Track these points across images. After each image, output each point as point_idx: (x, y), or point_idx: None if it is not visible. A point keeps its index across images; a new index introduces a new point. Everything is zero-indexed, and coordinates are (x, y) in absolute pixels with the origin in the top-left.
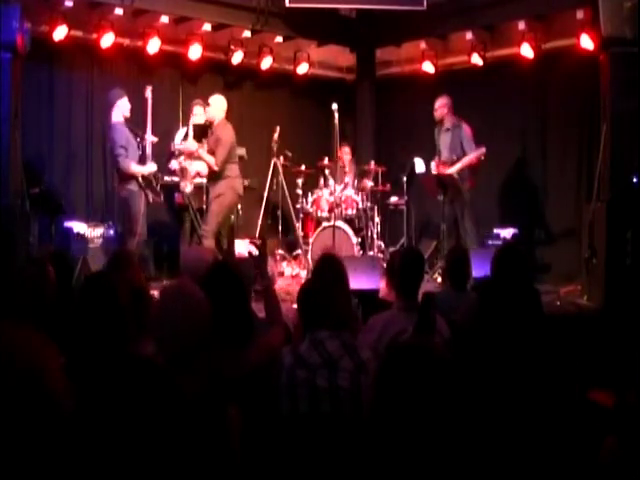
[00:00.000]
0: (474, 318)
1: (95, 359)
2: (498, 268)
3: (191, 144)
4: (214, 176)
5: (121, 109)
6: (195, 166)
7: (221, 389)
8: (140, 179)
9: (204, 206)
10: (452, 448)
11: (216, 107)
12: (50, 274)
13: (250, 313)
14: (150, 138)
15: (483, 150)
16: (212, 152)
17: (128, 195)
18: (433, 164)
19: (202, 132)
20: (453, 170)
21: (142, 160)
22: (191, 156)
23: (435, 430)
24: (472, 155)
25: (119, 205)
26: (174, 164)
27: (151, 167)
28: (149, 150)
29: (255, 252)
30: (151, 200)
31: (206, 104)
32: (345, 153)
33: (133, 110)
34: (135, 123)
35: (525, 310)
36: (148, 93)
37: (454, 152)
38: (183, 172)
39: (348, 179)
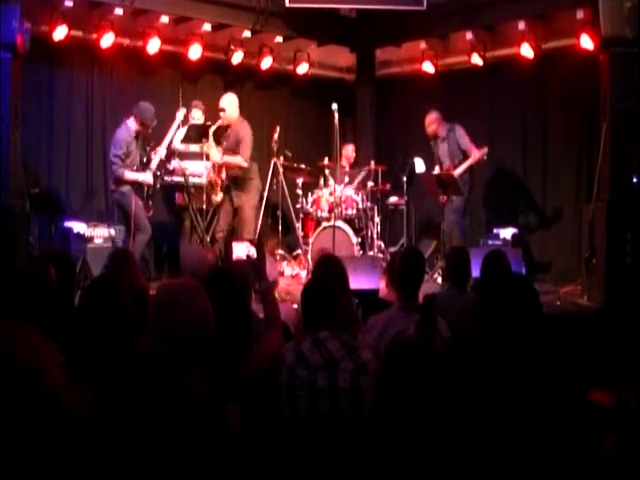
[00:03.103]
0: (472, 318)
1: (96, 361)
2: (484, 271)
3: (215, 156)
4: (240, 181)
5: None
6: (191, 166)
7: (221, 392)
8: (133, 185)
9: (204, 206)
10: (452, 448)
11: (230, 107)
12: (51, 274)
13: (249, 322)
14: (161, 153)
15: (485, 150)
16: (232, 151)
17: (120, 197)
18: (437, 170)
19: (199, 133)
20: (458, 171)
21: (143, 168)
22: (221, 166)
23: (435, 430)
24: (476, 155)
25: (116, 209)
26: (174, 164)
27: (146, 176)
28: (155, 163)
29: (253, 254)
30: (142, 205)
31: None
32: (349, 151)
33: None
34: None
35: (522, 309)
36: (179, 115)
37: (455, 157)
38: (212, 185)
39: (348, 178)
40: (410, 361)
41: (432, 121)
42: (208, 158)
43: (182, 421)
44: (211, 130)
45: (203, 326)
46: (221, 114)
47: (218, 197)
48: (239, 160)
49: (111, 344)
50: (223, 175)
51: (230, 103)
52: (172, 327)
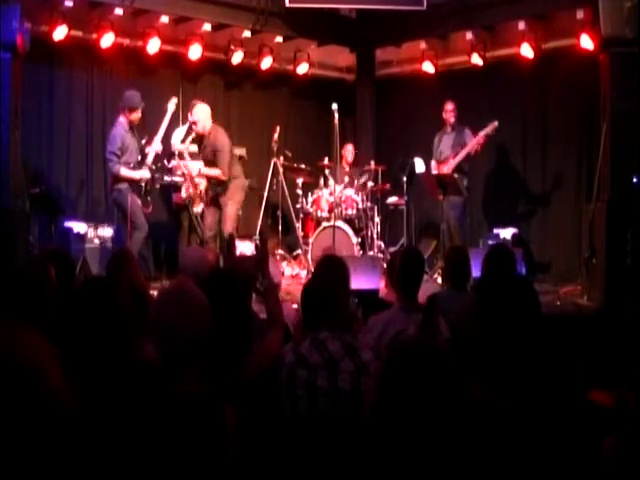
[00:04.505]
0: (472, 318)
1: (96, 362)
2: (487, 268)
3: (192, 166)
4: (221, 183)
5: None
6: (195, 165)
7: (220, 393)
8: (130, 183)
9: (203, 205)
10: (453, 448)
11: (202, 117)
12: (51, 273)
13: (249, 322)
14: (157, 147)
15: (495, 124)
16: (210, 162)
17: (117, 195)
18: (433, 164)
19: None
20: (457, 159)
21: (140, 165)
22: (195, 176)
23: (437, 429)
24: (473, 141)
25: (113, 207)
26: (173, 164)
27: (143, 173)
28: (151, 158)
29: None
30: (139, 203)
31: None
32: (348, 152)
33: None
34: (144, 127)
35: (521, 310)
36: (171, 105)
37: (455, 150)
38: (192, 194)
39: (348, 178)
40: (413, 360)
41: (453, 109)
42: None
43: (175, 428)
44: (186, 143)
45: (201, 325)
46: (193, 127)
47: (199, 208)
48: (218, 173)
49: (108, 347)
50: (202, 186)
51: (201, 113)
52: (171, 327)
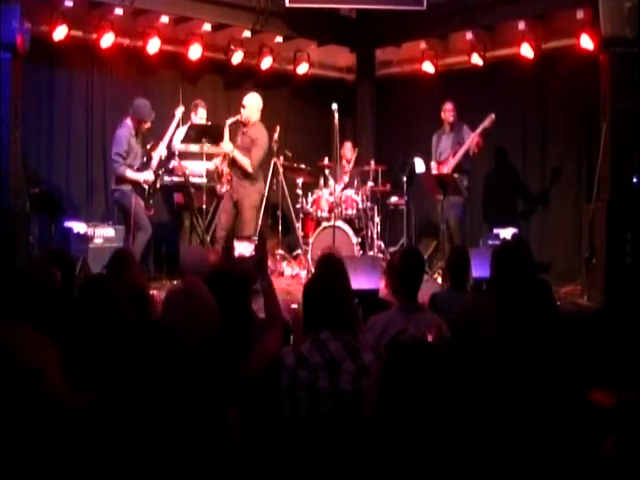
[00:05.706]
0: (472, 318)
1: (97, 361)
2: (497, 267)
3: (227, 145)
4: (243, 175)
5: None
6: (192, 166)
7: (220, 393)
8: (134, 185)
9: (204, 206)
10: (455, 448)
11: (252, 107)
12: (53, 273)
13: (249, 322)
14: (162, 151)
15: (492, 117)
16: (244, 150)
17: (120, 196)
18: (434, 165)
19: (201, 133)
20: (457, 158)
21: (144, 167)
22: (225, 157)
23: (439, 430)
24: (471, 137)
25: (115, 208)
26: (174, 164)
27: (147, 175)
28: (155, 162)
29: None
30: (142, 205)
31: (241, 106)
32: (347, 149)
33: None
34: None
35: (534, 308)
36: (178, 113)
37: (455, 149)
38: (218, 175)
39: (347, 178)
40: (413, 361)
41: (452, 109)
42: (208, 158)
43: (178, 426)
44: (228, 122)
45: (210, 325)
46: (241, 110)
47: (223, 189)
48: (247, 163)
49: (109, 342)
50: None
51: (252, 102)
52: (180, 327)
